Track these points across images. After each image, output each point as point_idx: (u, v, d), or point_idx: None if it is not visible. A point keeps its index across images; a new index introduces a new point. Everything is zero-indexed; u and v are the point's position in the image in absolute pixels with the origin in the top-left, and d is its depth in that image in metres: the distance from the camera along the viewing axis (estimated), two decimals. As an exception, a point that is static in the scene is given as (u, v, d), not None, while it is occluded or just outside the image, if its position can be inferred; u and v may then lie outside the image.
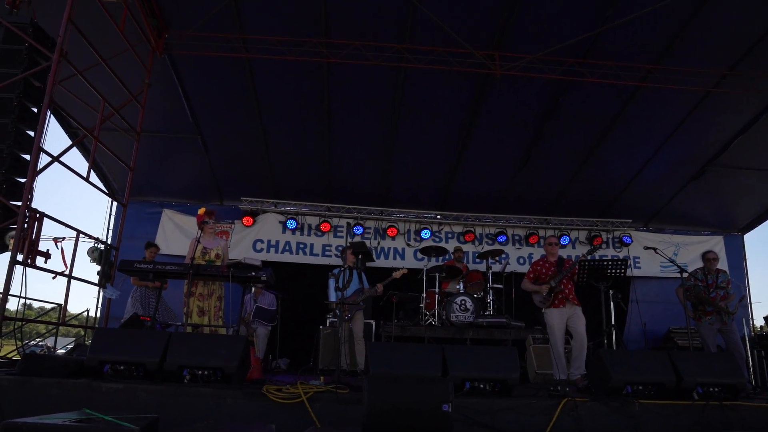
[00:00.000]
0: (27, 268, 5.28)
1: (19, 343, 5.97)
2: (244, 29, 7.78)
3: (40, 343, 13.27)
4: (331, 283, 5.50)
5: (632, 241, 11.46)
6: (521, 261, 11.41)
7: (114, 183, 10.75)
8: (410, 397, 3.69)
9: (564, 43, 7.55)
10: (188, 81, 8.72)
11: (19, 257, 4.90)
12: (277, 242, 10.81)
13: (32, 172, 5.12)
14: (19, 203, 5.11)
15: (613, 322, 8.68)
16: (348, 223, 11.05)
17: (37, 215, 5.08)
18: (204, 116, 9.45)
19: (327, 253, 10.90)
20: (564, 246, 11.37)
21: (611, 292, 8.35)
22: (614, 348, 8.06)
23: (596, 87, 8.45)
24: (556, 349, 6.56)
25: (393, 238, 11.07)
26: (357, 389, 4.65)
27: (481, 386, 4.67)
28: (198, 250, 6.22)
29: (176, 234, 10.53)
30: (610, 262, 6.65)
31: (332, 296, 5.53)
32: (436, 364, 4.68)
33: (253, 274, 5.53)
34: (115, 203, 10.52)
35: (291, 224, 10.79)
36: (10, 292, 5.42)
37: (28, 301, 5.90)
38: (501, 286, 9.48)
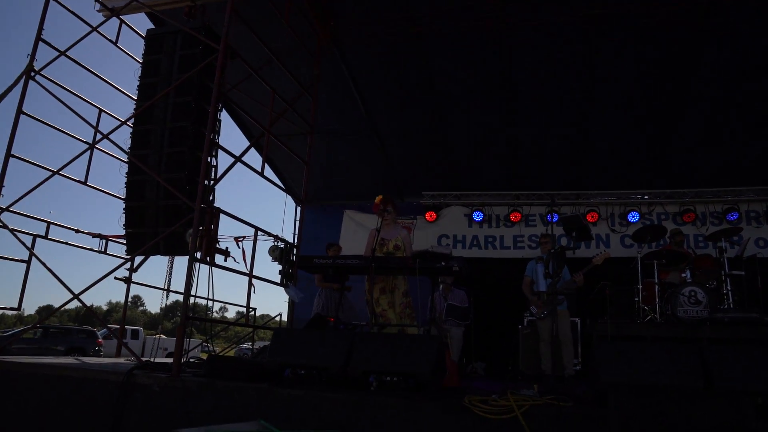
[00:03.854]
0: (213, 268, 5.14)
1: (224, 345, 5.92)
2: (411, 7, 7.13)
3: (247, 346, 14.04)
4: (540, 269, 4.48)
5: None
6: (761, 243, 9.21)
7: (294, 188, 10.84)
8: (680, 419, 2.57)
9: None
10: (359, 74, 8.35)
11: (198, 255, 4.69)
12: (464, 237, 10.00)
13: (204, 167, 4.92)
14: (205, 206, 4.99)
15: None
16: (540, 214, 9.92)
17: (214, 212, 4.85)
18: (378, 110, 9.05)
19: (519, 244, 9.82)
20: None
21: None
22: None
23: None
24: None
25: (594, 223, 9.58)
26: (581, 401, 3.62)
27: None
28: (374, 242, 5.58)
29: (359, 233, 10.23)
30: None
31: (542, 285, 4.50)
32: (693, 370, 3.45)
33: (443, 264, 4.74)
34: (291, 203, 10.59)
35: (477, 216, 9.91)
36: (202, 295, 5.34)
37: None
38: (741, 273, 7.59)
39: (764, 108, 8.05)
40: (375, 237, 5.48)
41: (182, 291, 4.55)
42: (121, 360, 6.09)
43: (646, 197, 9.89)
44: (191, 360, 5.49)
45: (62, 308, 6.73)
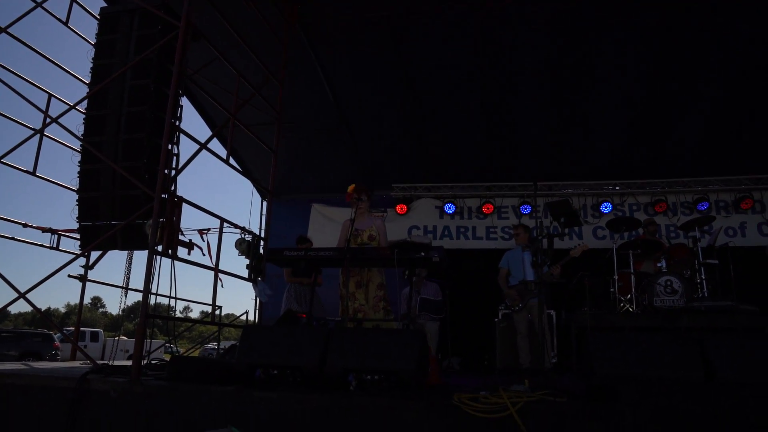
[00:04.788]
0: (175, 263, 4.78)
1: (188, 346, 5.54)
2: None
3: (212, 346, 13.54)
4: (527, 257, 4.21)
5: None
6: (731, 232, 9.28)
7: (261, 181, 10.45)
8: (694, 412, 2.37)
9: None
10: (328, 61, 7.98)
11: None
12: (435, 227, 9.80)
13: (165, 153, 4.54)
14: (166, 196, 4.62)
15: None
16: (512, 206, 9.79)
17: (175, 201, 4.48)
18: (348, 99, 8.71)
19: (492, 235, 9.65)
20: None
21: None
22: None
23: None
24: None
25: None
26: (576, 396, 3.41)
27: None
28: (348, 233, 5.28)
29: (327, 227, 9.93)
30: None
31: (529, 274, 4.25)
32: (691, 361, 3.28)
33: (423, 254, 4.48)
34: (258, 198, 10.23)
35: (449, 208, 9.73)
36: (164, 293, 4.96)
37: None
38: (715, 262, 7.57)
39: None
40: (349, 227, 5.19)
41: (143, 289, 4.18)
42: (77, 364, 5.64)
43: (617, 188, 9.87)
44: (153, 362, 5.10)
45: (7, 309, 6.22)
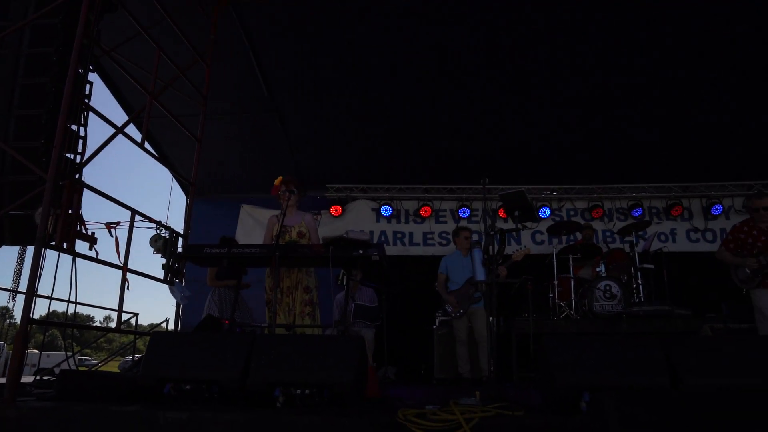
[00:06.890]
0: (76, 260, 4.11)
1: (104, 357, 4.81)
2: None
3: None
4: (477, 255, 3.78)
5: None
6: (663, 237, 9.44)
7: (184, 176, 9.69)
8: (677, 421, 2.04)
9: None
10: (263, 46, 7.35)
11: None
12: (371, 232, 9.37)
13: (62, 129, 3.87)
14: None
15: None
16: (450, 209, 9.53)
17: (75, 186, 3.82)
18: (282, 91, 8.11)
19: (429, 242, 9.34)
20: (716, 217, 9.37)
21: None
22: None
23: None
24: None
25: (505, 219, 9.28)
26: (533, 409, 3.05)
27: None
28: (276, 230, 4.74)
29: (257, 230, 9.31)
30: None
31: (480, 273, 3.83)
32: (656, 366, 2.99)
33: (361, 252, 4.03)
34: (179, 195, 9.44)
35: (386, 211, 9.34)
36: (64, 298, 4.26)
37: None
38: (652, 267, 7.57)
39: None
40: (277, 223, 4.67)
41: (26, 289, 3.50)
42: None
43: (554, 193, 9.80)
44: (47, 378, 4.36)
45: None
